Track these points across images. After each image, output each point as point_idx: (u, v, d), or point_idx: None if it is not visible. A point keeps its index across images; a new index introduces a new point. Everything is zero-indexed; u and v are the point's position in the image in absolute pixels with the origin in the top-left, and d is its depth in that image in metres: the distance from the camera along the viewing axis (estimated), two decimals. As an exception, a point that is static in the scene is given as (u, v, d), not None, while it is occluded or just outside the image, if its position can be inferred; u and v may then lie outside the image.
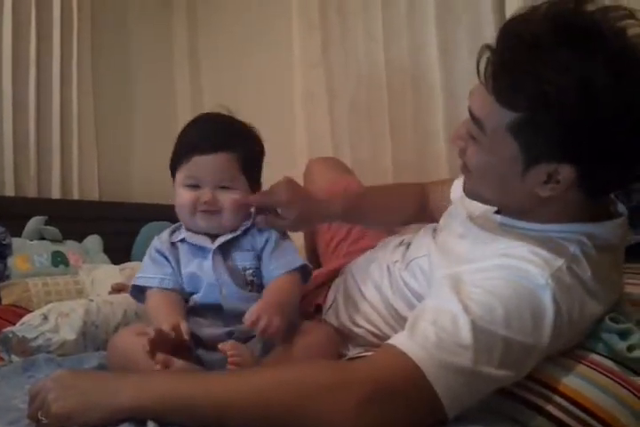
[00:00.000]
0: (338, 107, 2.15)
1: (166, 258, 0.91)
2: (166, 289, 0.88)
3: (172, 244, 0.92)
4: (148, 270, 0.92)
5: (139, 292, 0.92)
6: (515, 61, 0.66)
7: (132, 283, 0.93)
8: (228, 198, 0.89)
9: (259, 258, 0.91)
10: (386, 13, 2.02)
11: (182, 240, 0.92)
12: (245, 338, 0.85)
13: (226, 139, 0.91)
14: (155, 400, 0.61)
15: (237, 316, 0.83)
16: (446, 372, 0.61)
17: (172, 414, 0.60)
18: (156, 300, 0.88)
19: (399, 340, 0.65)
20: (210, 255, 0.89)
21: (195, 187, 0.89)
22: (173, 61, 2.75)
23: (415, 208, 1.12)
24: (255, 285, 0.90)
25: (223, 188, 0.89)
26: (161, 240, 0.93)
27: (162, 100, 2.64)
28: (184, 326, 0.77)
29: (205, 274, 0.88)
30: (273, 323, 0.78)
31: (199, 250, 0.90)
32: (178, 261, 0.91)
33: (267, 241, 0.91)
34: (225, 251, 0.90)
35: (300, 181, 1.44)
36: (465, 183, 0.83)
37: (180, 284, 0.89)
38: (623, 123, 0.64)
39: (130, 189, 2.44)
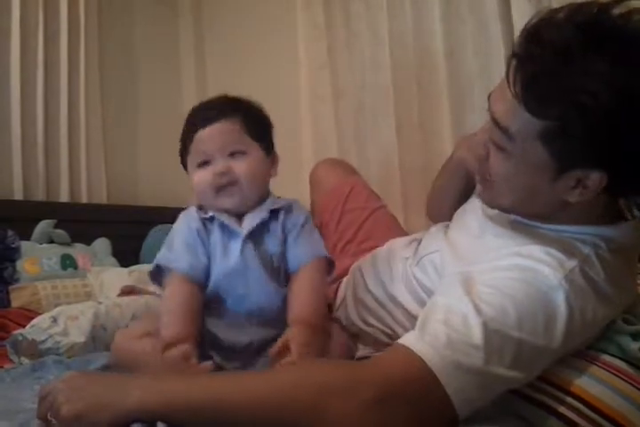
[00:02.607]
0: (343, 108, 2.15)
1: (203, 243, 0.83)
2: (192, 281, 0.81)
3: (204, 223, 0.85)
4: (178, 252, 0.83)
5: (159, 272, 0.84)
6: (546, 70, 0.64)
7: (155, 262, 0.85)
8: (242, 164, 0.84)
9: (284, 243, 0.86)
10: (391, 15, 2.02)
11: (211, 219, 0.85)
12: (265, 345, 0.83)
13: (223, 108, 0.87)
14: (164, 402, 0.61)
15: (259, 322, 0.83)
16: (457, 372, 0.61)
17: (181, 415, 0.60)
18: (175, 295, 0.81)
19: (409, 340, 0.65)
20: (239, 240, 0.83)
21: (207, 164, 0.85)
22: (179, 64, 2.76)
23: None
24: (281, 271, 0.85)
25: (234, 155, 0.85)
26: (193, 218, 0.85)
27: (169, 104, 2.65)
28: (191, 351, 0.74)
29: (233, 258, 0.83)
30: None
31: (229, 232, 0.84)
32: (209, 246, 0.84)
33: (294, 224, 0.87)
34: (255, 235, 0.85)
35: (306, 183, 1.44)
36: (483, 192, 0.81)
37: (205, 278, 0.83)
38: None
39: (137, 192, 2.45)
